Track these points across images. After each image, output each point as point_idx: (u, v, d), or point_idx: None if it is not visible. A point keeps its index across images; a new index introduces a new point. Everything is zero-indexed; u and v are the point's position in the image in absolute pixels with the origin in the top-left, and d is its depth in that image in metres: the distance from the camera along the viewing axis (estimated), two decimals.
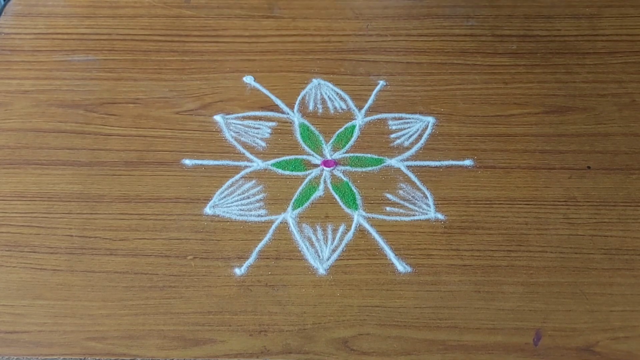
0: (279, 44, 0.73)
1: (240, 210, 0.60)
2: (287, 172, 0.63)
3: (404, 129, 0.66)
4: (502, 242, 0.58)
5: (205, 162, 0.63)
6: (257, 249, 0.57)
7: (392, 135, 0.65)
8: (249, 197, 0.61)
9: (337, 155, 0.64)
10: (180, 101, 0.68)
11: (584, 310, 0.54)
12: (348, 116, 0.67)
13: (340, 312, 0.54)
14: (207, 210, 0.60)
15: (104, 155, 0.64)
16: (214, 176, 0.62)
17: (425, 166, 0.63)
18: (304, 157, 0.64)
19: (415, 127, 0.66)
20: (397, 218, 0.59)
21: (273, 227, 0.59)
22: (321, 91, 0.69)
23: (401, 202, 0.60)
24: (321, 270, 0.56)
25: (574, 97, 0.68)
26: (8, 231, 0.58)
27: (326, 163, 0.63)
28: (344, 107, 0.68)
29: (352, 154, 0.64)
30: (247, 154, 0.64)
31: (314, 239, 0.58)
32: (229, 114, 0.67)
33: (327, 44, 0.73)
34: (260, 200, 0.61)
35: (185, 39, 0.74)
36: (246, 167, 0.63)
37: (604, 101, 0.68)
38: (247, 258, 0.57)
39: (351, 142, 0.65)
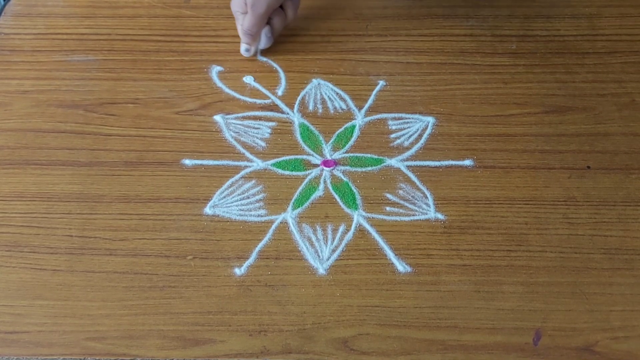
0: (279, 44, 0.73)
1: (240, 210, 0.60)
2: (287, 172, 0.63)
3: (404, 129, 0.66)
4: (502, 242, 0.58)
5: (205, 162, 0.63)
6: (257, 249, 0.57)
7: (392, 135, 0.65)
8: (248, 197, 0.61)
9: (337, 155, 0.64)
10: (180, 101, 0.68)
11: (583, 310, 0.54)
12: (348, 116, 0.67)
13: (340, 312, 0.54)
14: (207, 210, 0.60)
15: (103, 156, 0.64)
16: (214, 176, 0.62)
17: (425, 166, 0.63)
18: (304, 157, 0.64)
19: (415, 127, 0.66)
20: (397, 218, 0.59)
21: (273, 227, 0.59)
22: (321, 91, 0.69)
23: (401, 202, 0.60)
24: (321, 270, 0.56)
25: (573, 97, 0.68)
26: (8, 231, 0.58)
27: (326, 163, 0.63)
28: (344, 107, 0.68)
29: (352, 154, 0.64)
30: (247, 154, 0.64)
31: (313, 239, 0.58)
32: (228, 114, 0.67)
33: (327, 44, 0.73)
34: (260, 200, 0.61)
35: (185, 39, 0.74)
36: (246, 167, 0.63)
37: (604, 101, 0.68)
38: (247, 258, 0.57)
39: (351, 142, 0.65)
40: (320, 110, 0.68)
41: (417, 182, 0.62)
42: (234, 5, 0.69)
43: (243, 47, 0.71)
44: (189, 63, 0.71)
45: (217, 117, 0.67)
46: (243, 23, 0.68)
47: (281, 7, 0.70)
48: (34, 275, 0.56)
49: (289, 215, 0.59)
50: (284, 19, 0.70)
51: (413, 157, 0.64)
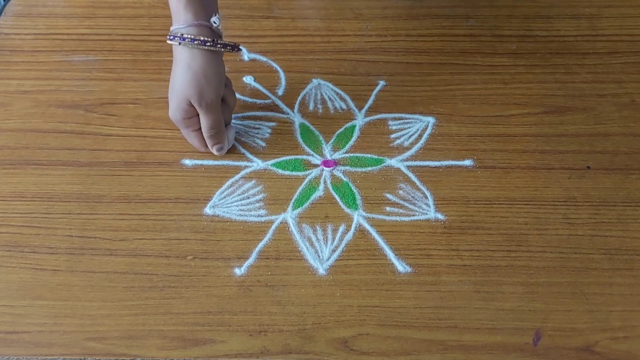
0: (279, 44, 0.73)
1: (240, 210, 0.60)
2: (287, 172, 0.63)
3: (404, 129, 0.66)
4: (502, 242, 0.58)
5: (205, 162, 0.63)
6: (257, 249, 0.57)
7: (392, 136, 0.66)
8: (249, 197, 0.61)
9: (337, 156, 0.64)
10: None
11: (583, 310, 0.54)
12: (348, 116, 0.67)
13: (340, 312, 0.54)
14: (207, 210, 0.60)
15: (103, 156, 0.64)
16: (214, 176, 0.62)
17: (425, 166, 0.63)
18: (304, 157, 0.64)
19: (415, 127, 0.66)
20: (397, 218, 0.59)
21: (273, 227, 0.59)
22: (321, 91, 0.69)
23: (401, 202, 0.60)
24: (321, 270, 0.56)
25: (573, 97, 0.68)
26: (8, 231, 0.58)
27: (326, 163, 0.63)
28: (344, 107, 0.68)
29: (352, 154, 0.64)
30: (247, 154, 0.64)
31: (313, 239, 0.58)
32: None
33: (327, 44, 0.73)
34: (260, 200, 0.61)
35: None
36: (246, 167, 0.63)
37: (604, 101, 0.68)
38: (247, 258, 0.57)
39: (351, 142, 0.65)
40: (320, 110, 0.68)
41: (417, 182, 0.62)
42: (176, 114, 0.60)
43: (215, 148, 0.62)
44: None
45: None
46: (203, 126, 0.60)
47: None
48: (34, 275, 0.56)
49: (289, 216, 0.59)
50: (230, 108, 0.63)
51: (413, 157, 0.64)
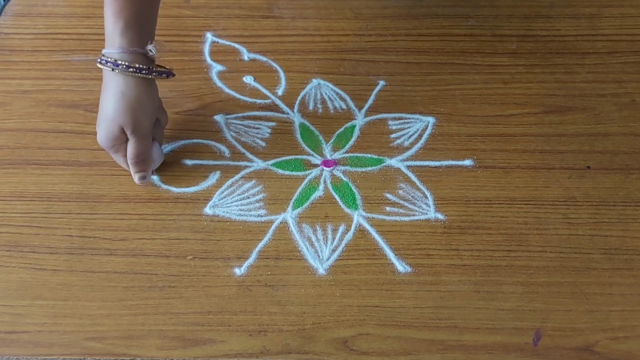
0: (279, 44, 0.73)
1: (240, 210, 0.60)
2: (287, 172, 0.63)
3: (404, 129, 0.66)
4: (502, 242, 0.58)
5: (205, 162, 0.63)
6: (257, 249, 0.57)
7: (392, 135, 0.65)
8: (248, 197, 0.61)
9: (337, 155, 0.64)
10: (180, 101, 0.68)
11: (583, 310, 0.54)
12: (348, 116, 0.67)
13: (339, 312, 0.54)
14: (207, 210, 0.60)
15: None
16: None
17: (425, 166, 0.63)
18: (304, 157, 0.64)
19: (415, 127, 0.66)
20: (397, 218, 0.59)
21: (273, 227, 0.59)
22: (321, 91, 0.69)
23: (401, 202, 0.60)
24: (321, 270, 0.56)
25: (573, 97, 0.68)
26: (8, 231, 0.58)
27: (326, 163, 0.63)
28: (344, 107, 0.68)
29: (352, 154, 0.64)
30: (247, 154, 0.64)
31: (313, 239, 0.58)
32: (229, 114, 0.67)
33: (327, 44, 0.73)
34: (260, 200, 0.61)
35: (185, 39, 0.74)
36: (246, 167, 0.63)
37: (604, 101, 0.68)
38: (247, 258, 0.57)
39: (351, 142, 0.65)
40: (320, 110, 0.68)
41: (417, 182, 0.62)
42: (105, 141, 0.58)
43: (137, 176, 0.60)
44: (189, 63, 0.71)
45: (218, 117, 0.67)
46: (129, 152, 0.58)
47: None
48: (33, 275, 0.56)
49: (289, 215, 0.59)
50: (162, 126, 0.62)
51: (413, 157, 0.64)
